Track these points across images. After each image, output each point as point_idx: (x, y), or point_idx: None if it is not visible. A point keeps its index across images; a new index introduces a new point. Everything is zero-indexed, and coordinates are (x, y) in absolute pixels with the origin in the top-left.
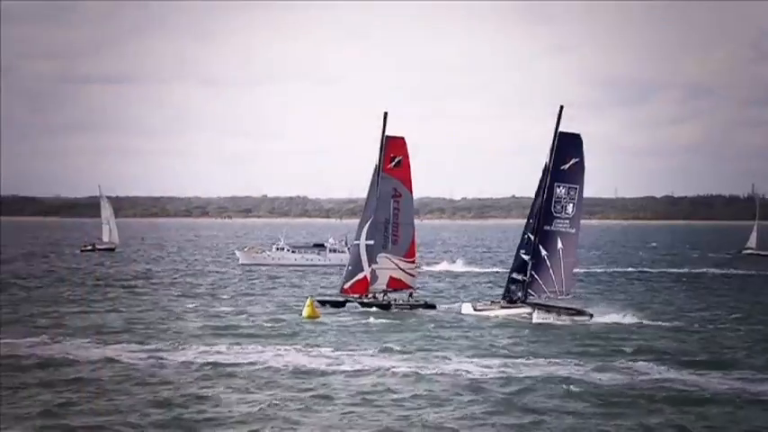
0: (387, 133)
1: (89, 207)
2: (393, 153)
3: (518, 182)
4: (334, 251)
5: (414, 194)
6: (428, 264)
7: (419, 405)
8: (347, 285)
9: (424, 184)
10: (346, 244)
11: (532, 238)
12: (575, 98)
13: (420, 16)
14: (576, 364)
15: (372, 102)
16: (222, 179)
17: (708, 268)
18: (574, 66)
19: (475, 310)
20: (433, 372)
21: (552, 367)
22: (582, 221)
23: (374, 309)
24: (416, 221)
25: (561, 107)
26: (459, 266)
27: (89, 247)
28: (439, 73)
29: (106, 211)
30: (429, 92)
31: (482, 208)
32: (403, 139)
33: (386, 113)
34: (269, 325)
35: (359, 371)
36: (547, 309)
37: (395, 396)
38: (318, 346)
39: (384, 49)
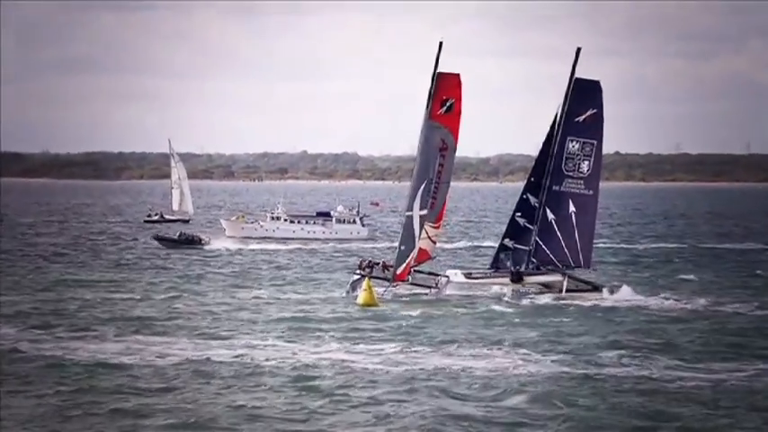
0: (440, 69)
1: (85, 166)
2: (445, 94)
3: (624, 134)
4: (342, 222)
5: (492, 150)
6: None
7: None
8: (401, 270)
9: (512, 138)
10: (358, 213)
11: (533, 199)
12: (697, 29)
13: None
14: None
15: (449, 37)
16: (251, 131)
17: None
18: None
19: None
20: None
21: None
22: (703, 183)
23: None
24: (496, 184)
25: (578, 49)
26: None
27: (155, 217)
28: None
29: (177, 172)
30: (517, 23)
31: None
32: (458, 76)
33: (441, 43)
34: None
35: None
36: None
37: None
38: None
39: None
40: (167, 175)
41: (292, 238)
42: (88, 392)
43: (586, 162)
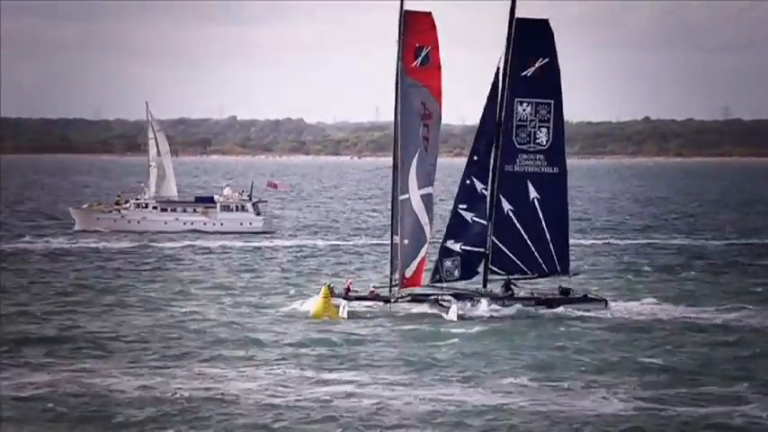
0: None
1: None
2: (418, 41)
3: (656, 94)
4: (230, 209)
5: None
6: None
7: None
8: (411, 272)
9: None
10: (250, 198)
11: (479, 185)
12: None
13: None
14: None
15: None
16: (162, 91)
17: None
18: None
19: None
20: None
21: None
22: (761, 159)
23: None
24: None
25: None
26: None
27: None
28: None
29: (156, 145)
30: None
31: (596, 138)
32: (430, 15)
33: None
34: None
35: None
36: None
37: None
38: None
39: None
40: (50, 148)
41: (163, 232)
42: None
43: (544, 129)
